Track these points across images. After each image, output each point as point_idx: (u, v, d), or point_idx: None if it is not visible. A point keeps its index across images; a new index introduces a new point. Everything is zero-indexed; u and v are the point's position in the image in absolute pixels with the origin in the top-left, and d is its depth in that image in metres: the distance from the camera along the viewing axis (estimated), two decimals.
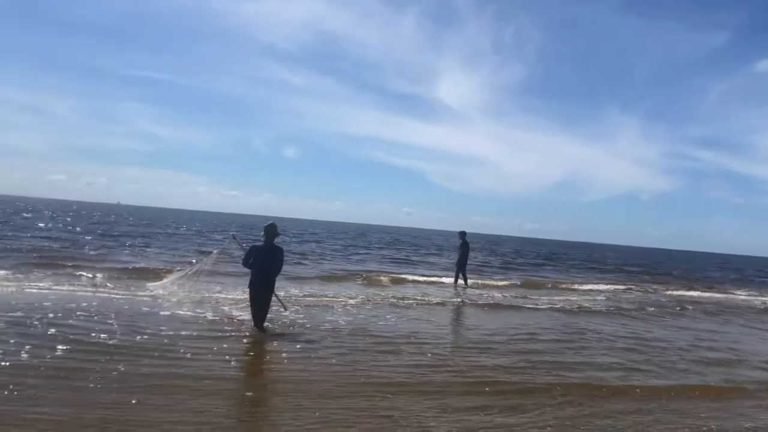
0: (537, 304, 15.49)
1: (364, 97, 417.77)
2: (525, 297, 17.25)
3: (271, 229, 9.28)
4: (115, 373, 6.44)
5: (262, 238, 9.35)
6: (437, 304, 14.30)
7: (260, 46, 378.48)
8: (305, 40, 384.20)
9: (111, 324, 8.83)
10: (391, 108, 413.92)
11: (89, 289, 12.24)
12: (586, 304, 16.34)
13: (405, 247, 48.41)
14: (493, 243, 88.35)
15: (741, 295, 25.38)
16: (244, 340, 8.59)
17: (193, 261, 14.56)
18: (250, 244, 9.61)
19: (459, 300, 15.30)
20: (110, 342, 7.81)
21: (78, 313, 9.47)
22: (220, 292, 12.88)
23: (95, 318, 9.20)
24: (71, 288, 12.16)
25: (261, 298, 9.23)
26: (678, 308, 17.68)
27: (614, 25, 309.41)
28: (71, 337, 7.87)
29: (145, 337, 8.26)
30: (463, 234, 18.92)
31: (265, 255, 9.21)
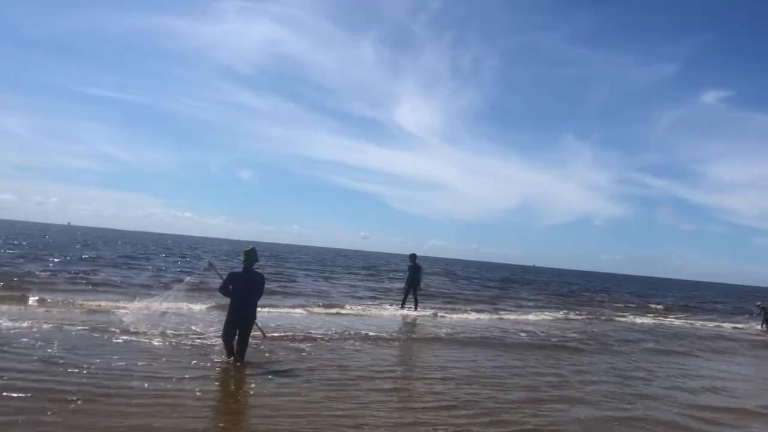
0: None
1: (323, 120, 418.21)
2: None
3: (251, 254, 8.66)
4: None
5: (241, 263, 8.76)
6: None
7: (219, 68, 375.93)
8: (264, 63, 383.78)
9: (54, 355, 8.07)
10: (350, 132, 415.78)
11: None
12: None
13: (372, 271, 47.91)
14: (450, 266, 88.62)
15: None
16: (215, 382, 7.93)
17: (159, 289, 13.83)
18: (229, 271, 9.00)
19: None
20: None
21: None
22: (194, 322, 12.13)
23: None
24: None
25: (242, 327, 8.55)
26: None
27: (568, 55, 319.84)
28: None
29: (91, 374, 7.50)
30: (413, 257, 18.60)
31: (245, 281, 8.56)
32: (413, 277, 18.38)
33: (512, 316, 19.76)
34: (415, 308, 18.18)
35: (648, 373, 10.93)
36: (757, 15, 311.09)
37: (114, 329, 10.31)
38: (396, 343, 11.98)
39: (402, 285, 19.50)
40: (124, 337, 9.80)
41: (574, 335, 15.60)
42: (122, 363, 7.99)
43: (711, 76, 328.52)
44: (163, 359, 8.43)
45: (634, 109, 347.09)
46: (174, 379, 7.37)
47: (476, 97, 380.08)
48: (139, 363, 8.08)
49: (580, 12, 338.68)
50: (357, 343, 11.25)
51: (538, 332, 15.58)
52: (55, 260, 27.62)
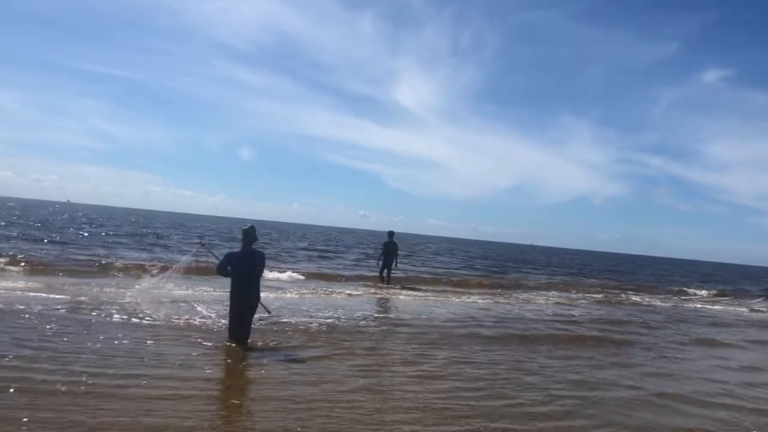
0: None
1: (321, 98, 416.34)
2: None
3: (250, 232, 8.38)
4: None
5: (240, 242, 8.48)
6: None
7: (216, 44, 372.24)
8: (262, 40, 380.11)
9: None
10: (349, 110, 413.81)
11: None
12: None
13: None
14: (453, 244, 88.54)
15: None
16: (219, 365, 7.64)
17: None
18: (224, 251, 8.71)
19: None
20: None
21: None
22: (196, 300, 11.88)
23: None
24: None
25: (246, 309, 8.29)
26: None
27: (569, 33, 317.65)
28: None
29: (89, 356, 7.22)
30: (391, 233, 19.00)
31: (244, 262, 8.26)
32: (389, 253, 18.76)
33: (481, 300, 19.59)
34: (387, 283, 18.68)
35: None
36: None
37: (113, 310, 10.07)
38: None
39: (378, 261, 19.63)
40: (120, 317, 9.52)
41: None
42: (124, 345, 7.73)
43: (712, 54, 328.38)
44: (163, 343, 8.14)
45: (633, 88, 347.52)
46: (177, 364, 7.10)
47: (476, 75, 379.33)
48: (139, 349, 7.76)
49: None
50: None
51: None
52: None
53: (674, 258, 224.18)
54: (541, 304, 17.98)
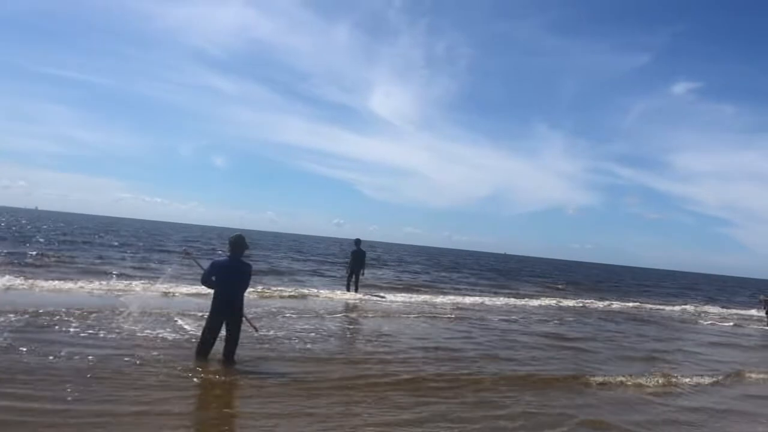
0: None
1: (296, 106, 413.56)
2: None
3: (239, 241, 7.93)
4: None
5: (226, 252, 8.13)
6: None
7: (189, 51, 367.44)
8: (236, 47, 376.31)
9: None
10: (324, 118, 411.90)
11: None
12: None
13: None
14: (429, 255, 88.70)
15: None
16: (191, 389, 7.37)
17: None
18: (211, 259, 8.37)
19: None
20: None
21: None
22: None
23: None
24: None
25: (229, 323, 7.83)
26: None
27: (542, 44, 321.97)
28: None
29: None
30: (358, 241, 18.59)
31: (230, 272, 7.81)
32: (356, 262, 18.50)
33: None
34: (356, 291, 18.36)
35: None
36: (728, 6, 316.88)
37: (68, 320, 9.71)
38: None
39: (345, 269, 19.50)
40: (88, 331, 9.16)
41: None
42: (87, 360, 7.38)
43: (682, 66, 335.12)
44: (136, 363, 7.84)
45: (605, 99, 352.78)
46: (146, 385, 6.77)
47: (450, 84, 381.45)
48: (110, 361, 7.47)
49: (555, 1, 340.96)
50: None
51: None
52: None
53: (647, 268, 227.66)
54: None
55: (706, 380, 9.80)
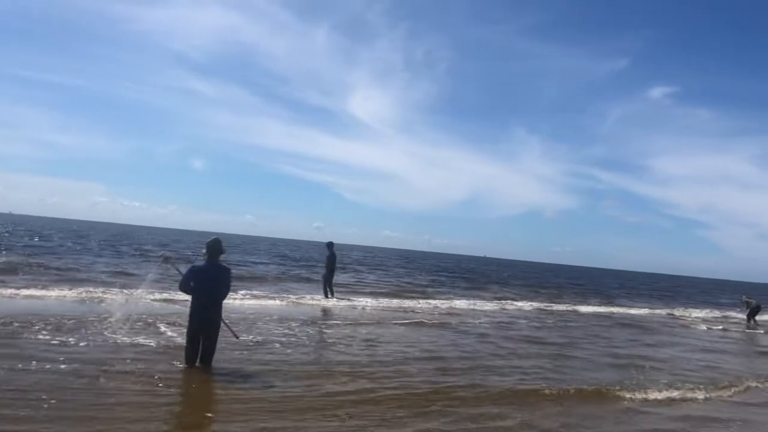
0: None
1: (276, 109, 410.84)
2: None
3: (215, 245, 7.81)
4: None
5: (203, 257, 7.90)
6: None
7: (168, 53, 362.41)
8: (215, 49, 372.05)
9: None
10: (303, 121, 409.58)
11: None
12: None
13: None
14: (408, 259, 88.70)
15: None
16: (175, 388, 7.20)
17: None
18: (189, 265, 8.19)
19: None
20: None
21: None
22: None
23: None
24: None
25: (208, 329, 7.68)
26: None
27: (521, 49, 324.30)
28: None
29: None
30: (330, 245, 18.23)
31: (209, 277, 7.68)
32: (331, 267, 18.17)
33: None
34: (332, 296, 18.11)
35: None
36: (704, 12, 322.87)
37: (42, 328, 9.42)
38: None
39: (322, 274, 19.10)
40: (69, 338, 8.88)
41: None
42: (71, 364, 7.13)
43: (658, 71, 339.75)
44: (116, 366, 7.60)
45: (583, 103, 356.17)
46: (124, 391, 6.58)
47: (430, 88, 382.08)
48: (90, 364, 7.22)
49: (534, 6, 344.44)
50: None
51: None
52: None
53: (626, 270, 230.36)
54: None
55: (691, 389, 9.41)
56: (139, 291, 10.25)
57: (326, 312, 15.62)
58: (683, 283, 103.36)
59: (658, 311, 27.37)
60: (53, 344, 8.43)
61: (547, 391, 8.27)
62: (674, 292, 53.09)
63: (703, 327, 21.61)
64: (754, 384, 10.45)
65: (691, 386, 9.58)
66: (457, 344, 11.98)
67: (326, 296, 18.11)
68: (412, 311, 17.28)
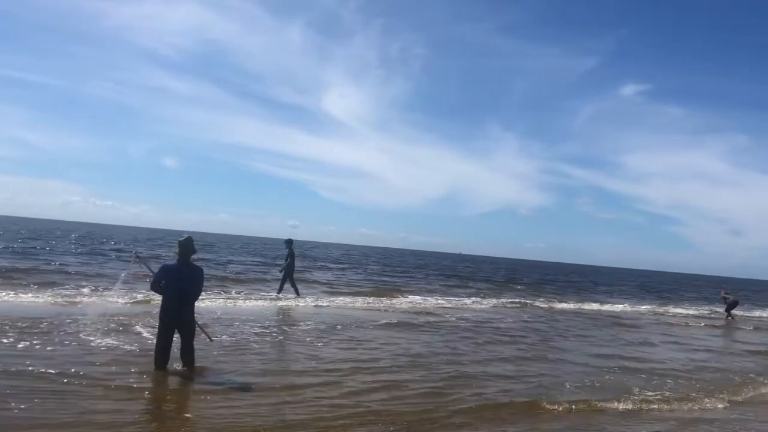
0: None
1: (250, 107, 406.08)
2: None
3: (187, 244, 7.66)
4: None
5: (175, 256, 7.75)
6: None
7: (140, 51, 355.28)
8: (188, 46, 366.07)
9: None
10: (278, 119, 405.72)
11: None
12: None
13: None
14: (385, 256, 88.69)
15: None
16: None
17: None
18: (161, 264, 8.06)
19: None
20: None
21: None
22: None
23: None
24: None
25: (182, 330, 7.59)
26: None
27: (496, 47, 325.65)
28: None
29: None
30: (289, 242, 18.15)
31: (180, 276, 7.54)
32: (290, 263, 17.93)
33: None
34: (297, 294, 17.94)
35: None
36: (676, 11, 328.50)
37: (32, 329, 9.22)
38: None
39: (281, 269, 18.68)
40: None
41: None
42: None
43: (630, 69, 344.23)
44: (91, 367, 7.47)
45: (557, 101, 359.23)
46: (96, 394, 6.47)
47: (405, 86, 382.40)
48: (59, 368, 7.08)
49: (508, 4, 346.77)
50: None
51: None
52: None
53: (600, 266, 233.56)
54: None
55: (683, 394, 9.03)
56: (113, 291, 10.03)
57: (301, 312, 15.44)
58: (657, 278, 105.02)
59: (638, 308, 27.46)
60: (23, 348, 8.25)
61: (548, 406, 7.62)
62: (650, 288, 53.40)
63: (687, 323, 21.86)
64: (751, 386, 10.29)
65: (689, 388, 9.44)
66: (431, 345, 11.79)
67: (279, 293, 17.91)
68: (386, 311, 17.13)
